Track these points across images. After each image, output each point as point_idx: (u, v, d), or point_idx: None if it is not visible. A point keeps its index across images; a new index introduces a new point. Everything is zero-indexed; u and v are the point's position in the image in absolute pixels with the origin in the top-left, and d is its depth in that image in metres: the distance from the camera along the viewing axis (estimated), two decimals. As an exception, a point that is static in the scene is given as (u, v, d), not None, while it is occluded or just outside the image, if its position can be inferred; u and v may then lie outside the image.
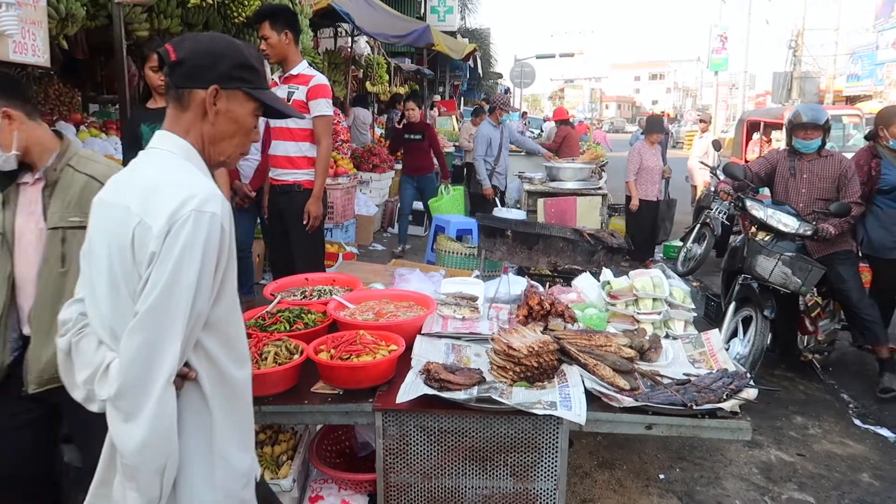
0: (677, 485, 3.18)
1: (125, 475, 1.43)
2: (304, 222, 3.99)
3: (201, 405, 1.49)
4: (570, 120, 11.26)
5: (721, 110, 37.74)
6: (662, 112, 17.55)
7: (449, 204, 7.44)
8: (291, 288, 3.25)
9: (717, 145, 9.13)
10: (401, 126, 8.37)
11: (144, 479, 1.40)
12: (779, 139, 11.47)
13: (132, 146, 3.50)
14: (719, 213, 7.47)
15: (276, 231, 4.24)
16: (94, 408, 1.49)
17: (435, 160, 8.07)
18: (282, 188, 4.09)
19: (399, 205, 8.34)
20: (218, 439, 1.51)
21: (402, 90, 12.63)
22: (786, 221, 4.34)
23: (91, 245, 1.50)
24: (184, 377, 1.46)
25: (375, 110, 13.59)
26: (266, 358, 2.39)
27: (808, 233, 4.25)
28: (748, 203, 4.56)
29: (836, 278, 4.39)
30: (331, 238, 6.67)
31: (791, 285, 4.11)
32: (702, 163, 8.67)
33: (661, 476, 3.24)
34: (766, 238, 4.38)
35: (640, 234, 7.37)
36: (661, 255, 8.59)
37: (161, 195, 1.40)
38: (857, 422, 4.03)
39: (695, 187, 10.48)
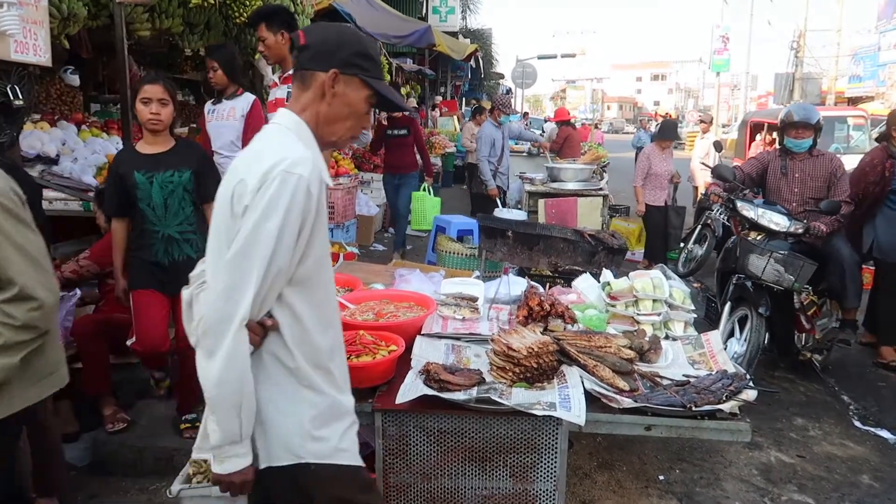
0: (677, 486, 3.18)
1: (208, 408, 1.54)
2: None
3: (283, 355, 1.59)
4: (572, 120, 11.26)
5: (723, 111, 37.70)
6: (667, 113, 17.45)
7: (429, 206, 7.29)
8: (292, 288, 3.26)
9: (718, 146, 9.14)
10: (385, 122, 7.82)
11: (222, 412, 1.51)
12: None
13: (118, 191, 3.20)
14: (720, 214, 7.46)
15: None
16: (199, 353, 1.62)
17: (419, 157, 7.61)
18: None
19: (391, 208, 7.91)
20: (304, 389, 1.61)
21: (403, 90, 12.62)
22: (777, 220, 4.38)
23: (214, 210, 1.65)
24: (263, 325, 1.56)
25: (377, 111, 13.59)
26: (266, 358, 2.40)
27: (800, 231, 4.29)
28: (739, 204, 4.59)
29: (828, 244, 4.39)
30: (331, 238, 6.68)
31: (784, 282, 4.15)
32: (703, 164, 8.66)
33: (661, 477, 3.24)
34: (758, 237, 4.39)
35: (651, 239, 7.30)
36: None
37: (261, 159, 1.53)
38: (857, 423, 4.03)
39: (696, 188, 10.47)
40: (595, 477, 3.20)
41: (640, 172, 7.22)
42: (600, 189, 7.25)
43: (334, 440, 1.65)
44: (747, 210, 4.52)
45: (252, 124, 4.25)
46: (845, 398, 4.40)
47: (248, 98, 4.34)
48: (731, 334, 4.47)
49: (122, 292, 3.33)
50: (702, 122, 11.65)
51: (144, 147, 3.23)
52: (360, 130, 1.80)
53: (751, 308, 4.28)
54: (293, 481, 1.64)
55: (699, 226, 7.59)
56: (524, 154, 10.32)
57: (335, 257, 5.50)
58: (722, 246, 7.43)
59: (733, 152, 11.69)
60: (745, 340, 4.26)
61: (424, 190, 7.56)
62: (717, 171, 4.78)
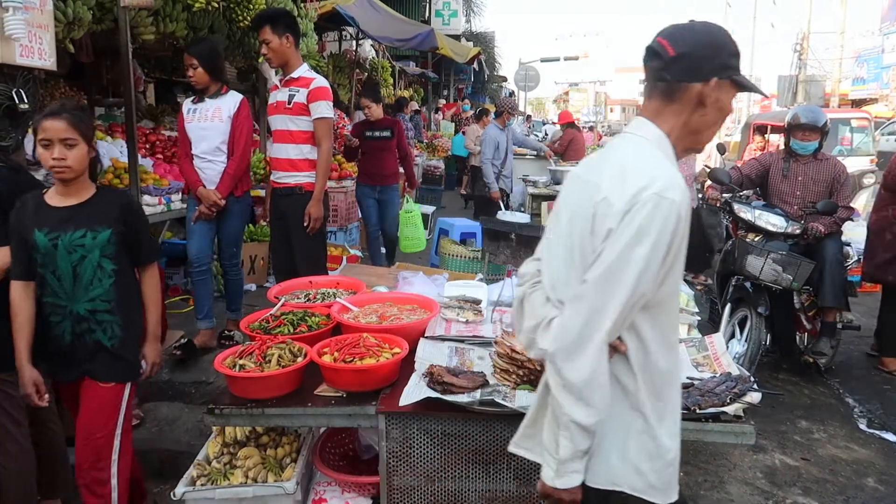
0: (681, 489, 3.16)
1: (559, 424, 1.53)
2: (305, 225, 4.00)
3: (625, 380, 1.58)
4: (576, 123, 11.26)
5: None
6: None
7: (409, 220, 6.37)
8: (295, 291, 3.26)
9: (721, 149, 9.11)
10: (361, 121, 6.60)
11: (576, 430, 1.50)
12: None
13: (19, 250, 2.43)
14: (724, 217, 7.47)
15: (278, 234, 4.25)
16: (532, 354, 1.68)
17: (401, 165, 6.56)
18: (283, 191, 4.10)
19: (366, 224, 6.54)
20: (637, 417, 1.58)
21: (406, 93, 12.66)
22: (774, 221, 4.44)
23: (557, 212, 1.65)
24: (615, 349, 1.55)
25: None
26: (270, 360, 2.40)
27: (797, 232, 4.34)
28: (736, 206, 4.64)
29: (818, 242, 4.39)
30: (334, 241, 6.68)
31: (782, 282, 4.20)
32: (706, 166, 8.65)
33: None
34: (756, 239, 4.45)
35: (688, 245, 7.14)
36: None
37: (627, 177, 1.48)
38: (862, 426, 4.02)
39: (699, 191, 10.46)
40: (599, 480, 3.19)
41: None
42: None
43: (652, 476, 1.60)
44: (744, 212, 4.56)
45: (241, 127, 4.05)
46: (850, 401, 4.39)
47: (234, 97, 4.09)
48: (732, 335, 4.51)
49: (30, 386, 2.43)
50: None
51: (53, 198, 2.47)
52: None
53: (750, 309, 4.34)
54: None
55: (728, 304, 7.50)
56: (529, 156, 10.29)
57: (338, 260, 5.51)
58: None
59: (736, 155, 11.67)
60: (746, 341, 4.31)
61: (406, 202, 6.54)
62: (713, 175, 4.78)
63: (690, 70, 1.54)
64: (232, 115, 4.03)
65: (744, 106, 36.24)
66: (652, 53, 1.59)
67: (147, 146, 5.65)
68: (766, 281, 4.24)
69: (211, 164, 4.05)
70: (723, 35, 1.58)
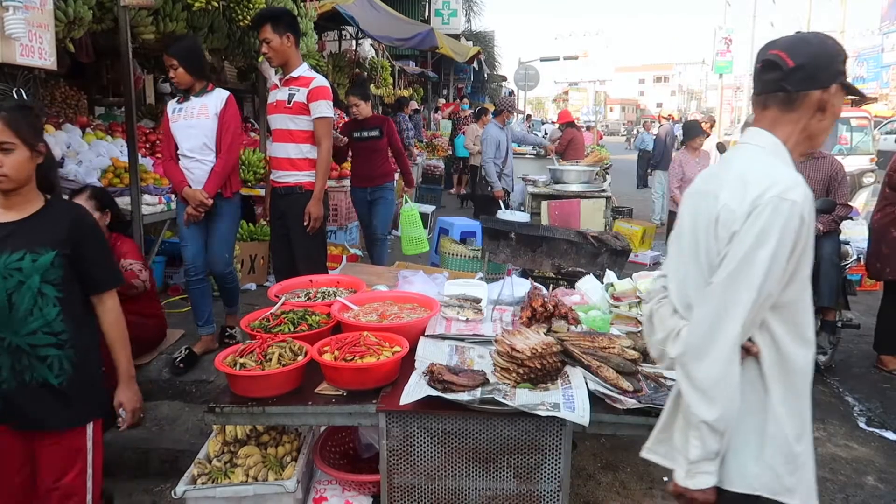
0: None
1: (689, 424, 1.58)
2: (305, 224, 4.00)
3: (758, 383, 1.61)
4: (575, 122, 11.26)
5: (726, 113, 37.68)
6: (669, 115, 17.33)
7: (410, 219, 5.99)
8: (296, 289, 3.27)
9: (721, 148, 9.12)
10: (349, 122, 6.10)
11: (706, 431, 1.54)
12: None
13: None
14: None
15: (278, 233, 4.25)
16: (662, 365, 1.75)
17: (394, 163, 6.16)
18: (283, 190, 4.10)
19: (365, 228, 6.10)
20: (771, 419, 1.60)
21: (406, 93, 12.67)
22: None
23: (680, 228, 1.73)
24: (746, 350, 1.59)
25: (380, 113, 13.64)
26: (270, 359, 2.40)
27: None
28: None
29: (817, 243, 4.40)
30: (334, 240, 6.69)
31: None
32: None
33: (665, 479, 3.22)
34: None
35: None
36: (665, 258, 8.56)
37: (747, 183, 1.54)
38: (862, 425, 4.02)
39: None
40: (599, 478, 3.20)
41: (674, 180, 7.06)
42: (603, 191, 7.25)
43: (789, 480, 1.61)
44: None
45: (228, 124, 3.90)
46: (850, 399, 4.39)
47: (220, 94, 3.95)
48: None
49: None
50: (703, 123, 11.51)
51: None
52: None
53: None
54: None
55: None
56: (528, 156, 10.29)
57: (338, 259, 5.52)
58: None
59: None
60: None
61: (406, 202, 6.17)
62: None
63: (810, 79, 1.60)
64: (219, 111, 3.89)
65: (743, 105, 36.25)
66: (769, 66, 1.65)
67: (147, 145, 5.66)
68: None
69: (198, 163, 3.90)
70: (835, 44, 1.66)
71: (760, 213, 1.50)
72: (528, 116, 26.67)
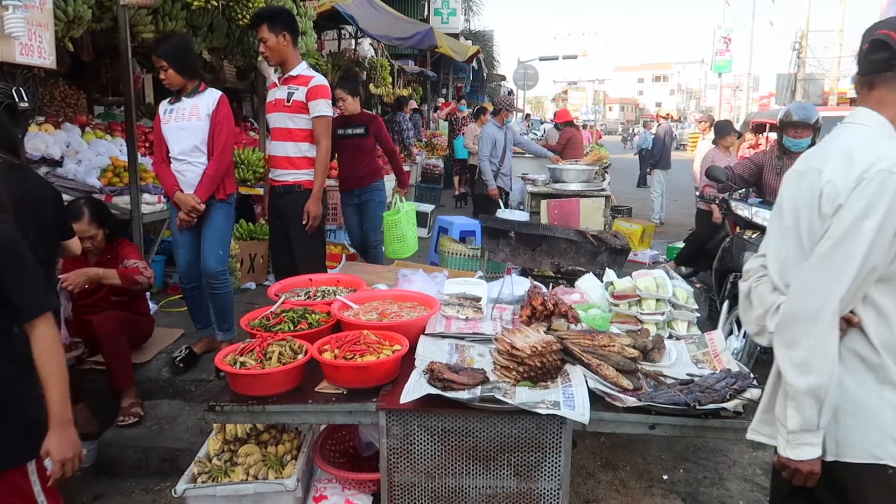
0: (681, 486, 3.18)
1: (788, 396, 1.61)
2: (304, 223, 4.00)
3: (870, 353, 1.62)
4: (574, 121, 11.25)
5: (725, 112, 37.74)
6: (668, 114, 17.26)
7: (406, 220, 5.46)
8: (296, 288, 3.27)
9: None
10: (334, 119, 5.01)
11: (804, 400, 1.57)
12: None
13: None
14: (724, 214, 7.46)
15: (277, 232, 4.25)
16: (762, 341, 1.76)
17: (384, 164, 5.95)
18: (282, 189, 4.10)
19: (353, 238, 5.82)
20: (890, 389, 1.61)
21: (405, 92, 12.65)
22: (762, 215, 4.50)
23: (779, 207, 1.77)
24: (848, 322, 1.61)
25: (379, 112, 13.65)
26: (270, 357, 2.40)
27: None
28: (733, 204, 4.73)
29: None
30: (334, 240, 6.69)
31: None
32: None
33: (665, 477, 3.24)
34: (754, 236, 4.44)
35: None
36: (664, 256, 8.59)
37: (853, 158, 1.57)
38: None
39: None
40: (599, 476, 3.21)
41: (703, 179, 6.30)
42: (602, 190, 7.26)
43: None
44: (741, 209, 4.62)
45: (220, 125, 3.74)
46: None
47: (212, 94, 3.79)
48: (731, 332, 4.55)
49: None
50: (701, 122, 11.47)
51: None
52: None
53: None
54: (867, 480, 1.64)
55: (727, 302, 7.49)
56: (527, 155, 10.29)
57: (338, 258, 5.51)
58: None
59: (738, 152, 11.64)
60: (744, 337, 4.34)
61: (396, 203, 5.55)
62: (710, 173, 4.79)
63: None
64: (211, 112, 3.72)
65: (742, 104, 36.26)
66: (878, 46, 1.66)
67: (147, 145, 5.65)
68: None
69: (190, 165, 3.74)
70: None
71: (867, 186, 1.51)
72: (528, 116, 26.67)
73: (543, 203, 6.76)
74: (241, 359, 2.41)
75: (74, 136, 5.12)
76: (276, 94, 4.06)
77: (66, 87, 6.13)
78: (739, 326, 4.51)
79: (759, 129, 10.23)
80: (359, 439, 2.94)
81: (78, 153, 4.92)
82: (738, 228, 4.73)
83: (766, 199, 4.68)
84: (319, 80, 4.02)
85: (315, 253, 4.16)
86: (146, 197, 4.64)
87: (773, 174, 4.65)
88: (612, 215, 7.91)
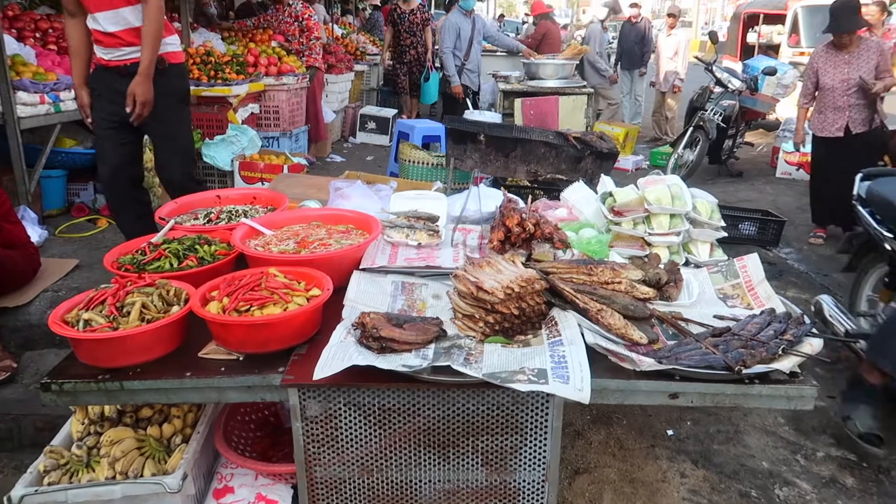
0: (689, 443, 2.57)
1: None
2: (129, 110, 3.00)
3: None
4: (551, 14, 10.13)
5: (702, 15, 36.24)
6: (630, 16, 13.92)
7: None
8: (196, 209, 2.48)
9: (714, 37, 8.17)
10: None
11: None
12: (780, 32, 10.53)
13: None
14: (715, 114, 6.73)
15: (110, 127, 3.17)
16: None
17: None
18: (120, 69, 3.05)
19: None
20: None
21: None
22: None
23: None
24: None
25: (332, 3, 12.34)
26: (128, 313, 1.66)
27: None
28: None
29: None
30: (276, 148, 5.80)
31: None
32: (696, 58, 7.77)
33: (670, 432, 2.62)
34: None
35: (819, 188, 5.07)
36: (649, 162, 7.86)
37: None
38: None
39: (663, 94, 9.17)
40: (589, 436, 2.57)
41: (804, 88, 5.11)
42: (584, 86, 6.39)
43: None
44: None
45: None
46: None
47: None
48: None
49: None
50: (670, 15, 10.03)
51: None
52: None
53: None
54: None
55: (691, 128, 6.85)
56: (499, 52, 9.24)
57: (277, 169, 4.67)
58: (715, 149, 6.79)
59: (728, 48, 10.74)
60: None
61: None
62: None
63: None
64: None
65: (718, 6, 34.72)
66: None
67: (38, 34, 4.63)
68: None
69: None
70: None
71: None
72: (501, 16, 24.99)
73: (517, 102, 5.91)
74: (87, 315, 1.65)
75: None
76: None
77: None
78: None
79: (750, 20, 9.28)
80: (282, 404, 2.27)
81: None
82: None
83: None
84: None
85: (177, 145, 3.23)
86: (22, 96, 3.68)
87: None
88: (595, 115, 7.07)
